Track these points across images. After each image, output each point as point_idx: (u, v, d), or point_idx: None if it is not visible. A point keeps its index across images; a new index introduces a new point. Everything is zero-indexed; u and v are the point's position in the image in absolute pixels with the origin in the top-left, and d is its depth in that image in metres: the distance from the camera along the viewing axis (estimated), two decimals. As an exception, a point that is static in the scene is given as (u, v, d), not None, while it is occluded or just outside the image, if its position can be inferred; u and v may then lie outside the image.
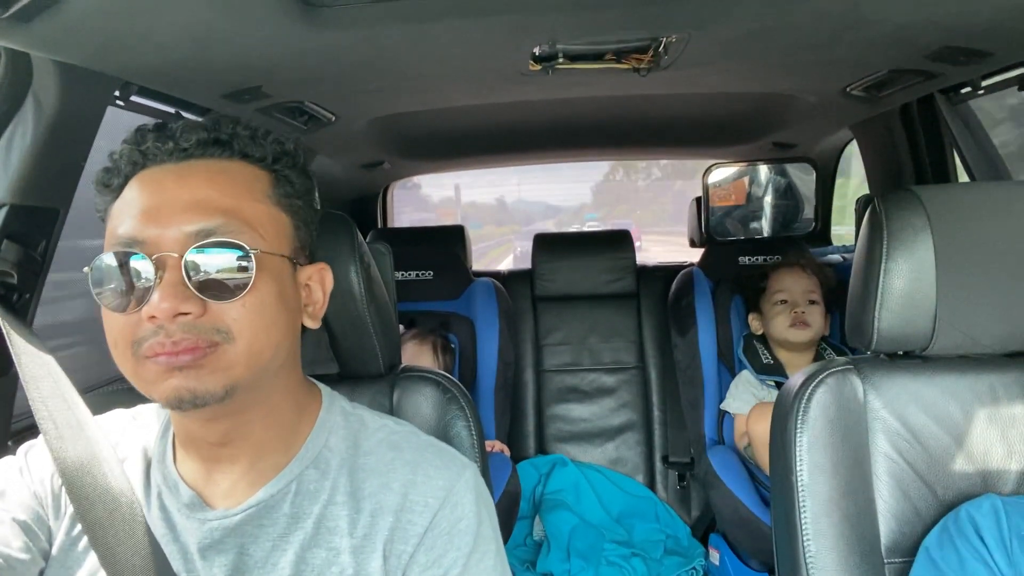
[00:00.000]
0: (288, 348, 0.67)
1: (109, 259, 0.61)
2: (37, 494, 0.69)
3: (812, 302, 1.84)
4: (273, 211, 0.66)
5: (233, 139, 0.66)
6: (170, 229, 0.60)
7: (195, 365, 0.59)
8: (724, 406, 1.94)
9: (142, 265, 0.60)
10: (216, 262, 0.60)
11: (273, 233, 0.65)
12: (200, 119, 0.69)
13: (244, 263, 0.61)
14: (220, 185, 0.64)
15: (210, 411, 0.62)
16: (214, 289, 0.60)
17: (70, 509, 0.68)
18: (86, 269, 0.62)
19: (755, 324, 1.95)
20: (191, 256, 0.60)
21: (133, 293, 0.60)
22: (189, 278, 0.59)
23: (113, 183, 0.66)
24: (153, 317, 0.58)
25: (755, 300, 1.95)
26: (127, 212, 0.63)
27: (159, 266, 0.59)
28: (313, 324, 0.71)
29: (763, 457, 1.77)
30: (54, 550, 0.68)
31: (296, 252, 0.68)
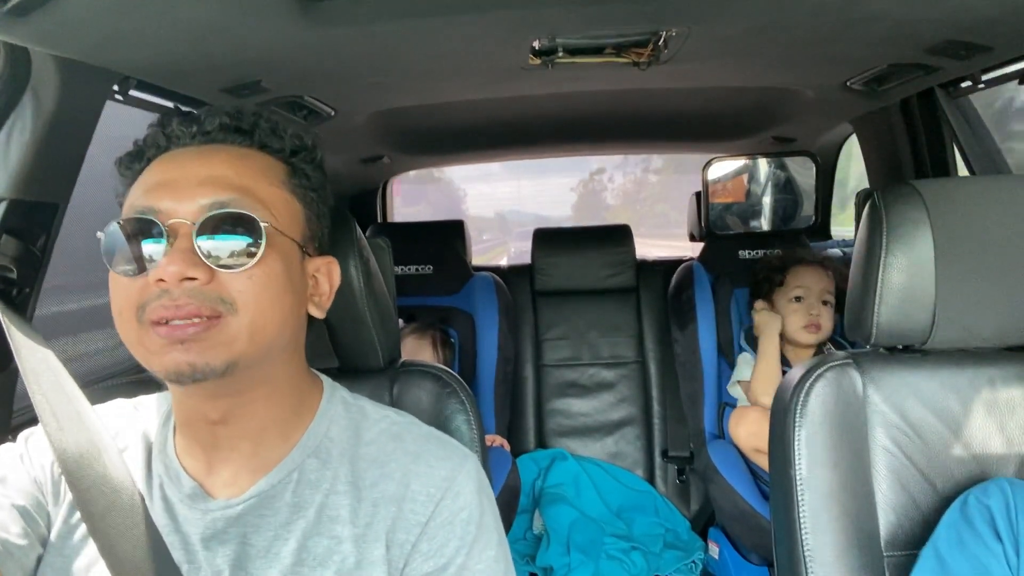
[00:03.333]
0: (292, 331, 0.68)
1: (123, 225, 0.62)
2: (37, 480, 0.70)
3: (826, 303, 1.84)
4: (287, 197, 0.68)
5: (255, 129, 0.69)
6: (185, 201, 0.62)
7: (197, 339, 0.59)
8: (732, 383, 1.93)
9: (154, 231, 0.61)
10: (227, 233, 0.61)
11: (286, 216, 0.67)
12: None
13: (254, 236, 0.62)
14: (238, 167, 0.65)
15: (211, 386, 0.62)
16: (223, 259, 0.61)
17: (69, 496, 0.68)
18: (99, 234, 0.63)
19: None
20: (203, 224, 0.61)
21: (143, 258, 0.61)
22: (199, 246, 0.60)
23: (135, 167, 0.67)
24: (161, 280, 0.59)
25: (765, 291, 1.92)
26: (145, 185, 0.64)
27: (171, 233, 0.60)
28: (319, 314, 0.72)
29: (751, 456, 1.78)
30: (52, 537, 0.68)
31: (306, 240, 0.69)
